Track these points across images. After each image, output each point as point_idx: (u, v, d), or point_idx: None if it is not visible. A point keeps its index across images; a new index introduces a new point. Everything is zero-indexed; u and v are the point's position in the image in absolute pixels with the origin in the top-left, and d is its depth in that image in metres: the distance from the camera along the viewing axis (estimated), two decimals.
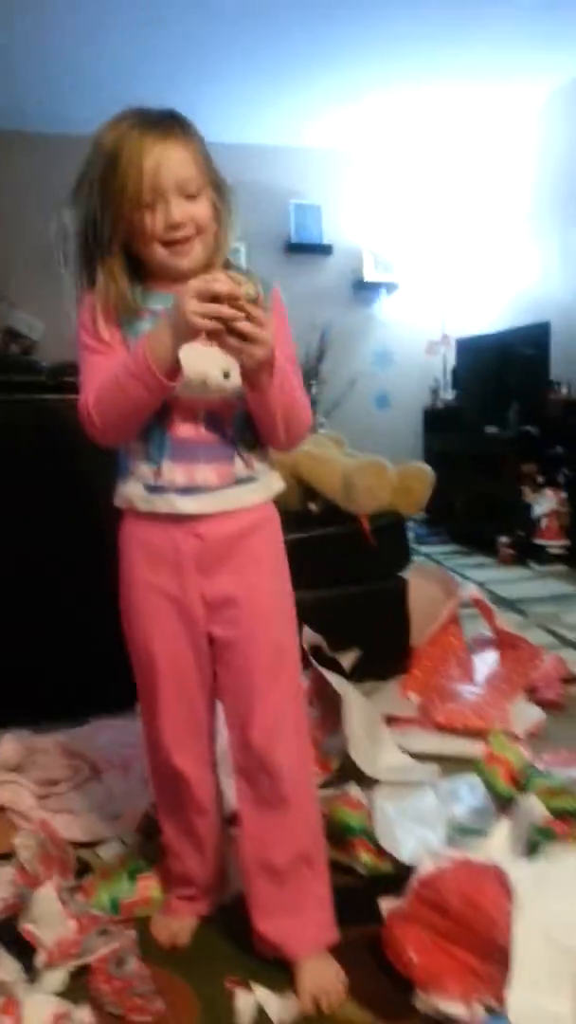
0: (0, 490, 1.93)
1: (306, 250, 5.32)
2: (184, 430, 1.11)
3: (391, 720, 1.97)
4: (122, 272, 1.10)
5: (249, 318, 0.98)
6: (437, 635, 2.30)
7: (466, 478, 4.56)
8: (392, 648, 2.26)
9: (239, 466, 1.14)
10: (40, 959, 1.15)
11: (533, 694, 2.13)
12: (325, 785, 1.65)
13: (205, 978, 1.17)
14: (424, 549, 4.45)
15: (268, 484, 1.19)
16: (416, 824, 1.46)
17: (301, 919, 1.18)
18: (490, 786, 1.45)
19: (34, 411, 1.93)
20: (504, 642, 2.36)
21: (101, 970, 1.16)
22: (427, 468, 2.40)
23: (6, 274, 4.67)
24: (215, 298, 0.97)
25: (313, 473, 2.29)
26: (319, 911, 1.20)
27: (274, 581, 1.20)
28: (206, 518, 1.13)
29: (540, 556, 4.00)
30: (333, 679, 1.80)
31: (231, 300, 0.96)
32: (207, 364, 1.05)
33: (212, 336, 0.99)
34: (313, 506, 2.33)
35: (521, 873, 1.12)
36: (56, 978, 1.15)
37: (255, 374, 1.05)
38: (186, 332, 0.99)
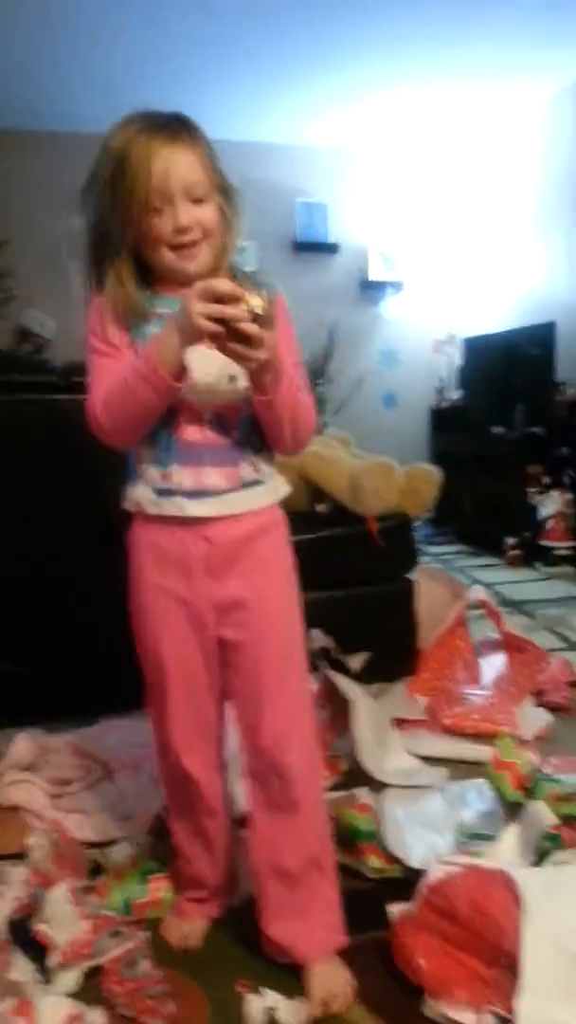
0: (13, 490, 1.94)
1: (312, 249, 5.31)
2: (191, 433, 1.12)
3: (399, 722, 1.98)
4: (130, 275, 1.11)
5: (256, 320, 0.98)
6: (444, 637, 2.30)
7: (473, 478, 4.55)
8: (399, 650, 2.26)
9: (246, 469, 1.15)
10: (53, 959, 1.16)
11: (540, 697, 2.14)
12: (334, 788, 1.66)
13: (216, 981, 1.18)
14: (431, 550, 4.45)
15: (275, 487, 1.19)
16: (425, 829, 1.47)
17: (310, 922, 1.18)
18: (499, 792, 1.46)
19: (45, 411, 1.93)
20: (511, 645, 2.36)
21: (113, 971, 1.17)
22: (434, 470, 2.40)
23: (18, 272, 4.67)
24: (219, 299, 0.97)
25: (320, 474, 2.30)
26: (328, 914, 1.20)
27: (282, 584, 1.21)
28: (214, 521, 1.13)
29: (546, 558, 3.99)
30: (341, 682, 1.81)
31: (233, 300, 0.97)
32: (214, 368, 1.06)
33: (214, 340, 0.99)
34: (320, 507, 2.33)
35: (530, 880, 1.13)
36: (69, 979, 1.16)
37: (261, 377, 1.06)
38: (192, 334, 1.00)
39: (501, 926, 1.07)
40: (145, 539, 1.17)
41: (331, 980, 1.15)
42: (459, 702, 2.08)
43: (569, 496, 4.03)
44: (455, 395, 5.29)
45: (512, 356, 4.53)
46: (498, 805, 1.49)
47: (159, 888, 1.34)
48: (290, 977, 1.17)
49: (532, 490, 4.13)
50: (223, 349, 1.00)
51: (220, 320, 0.97)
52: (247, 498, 1.15)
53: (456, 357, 5.31)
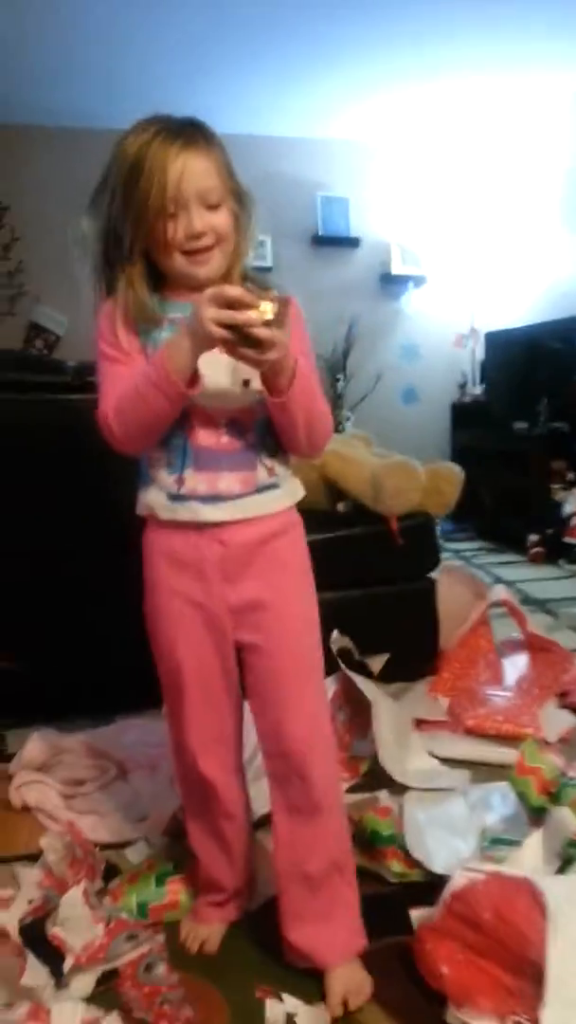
0: (27, 489, 1.93)
1: (333, 243, 5.27)
2: (206, 438, 1.11)
3: (420, 723, 1.95)
4: (142, 280, 1.10)
5: (267, 324, 0.97)
6: (466, 637, 2.27)
7: (494, 474, 4.51)
8: (421, 650, 2.24)
9: (262, 473, 1.13)
10: (68, 963, 1.15)
11: (564, 699, 2.10)
12: (354, 789, 1.64)
13: (234, 985, 1.16)
14: (451, 546, 4.41)
15: (291, 490, 1.18)
16: (447, 833, 1.44)
17: (332, 926, 1.17)
18: (523, 798, 1.43)
19: (59, 411, 1.92)
20: (534, 645, 2.32)
21: (130, 975, 1.16)
22: (457, 468, 2.37)
23: (30, 268, 4.68)
24: (230, 304, 0.96)
25: (341, 473, 2.27)
26: (349, 918, 1.19)
27: (300, 585, 1.19)
28: (229, 525, 1.12)
29: (570, 555, 3.93)
30: (362, 684, 1.79)
31: (244, 305, 0.95)
32: (226, 373, 1.05)
33: (226, 346, 0.98)
34: (341, 506, 2.31)
35: (555, 888, 1.10)
36: (84, 983, 1.15)
37: (274, 379, 1.04)
38: (204, 340, 0.99)
39: (525, 935, 1.05)
40: (159, 544, 1.16)
41: (351, 980, 1.14)
42: (481, 703, 2.05)
43: None
44: (477, 390, 5.24)
45: (535, 350, 4.47)
46: (521, 809, 1.47)
47: (177, 891, 1.33)
48: (309, 982, 1.15)
49: (555, 486, 4.08)
50: (235, 354, 0.99)
51: (232, 326, 0.96)
52: (263, 502, 1.14)
53: (478, 352, 5.25)
